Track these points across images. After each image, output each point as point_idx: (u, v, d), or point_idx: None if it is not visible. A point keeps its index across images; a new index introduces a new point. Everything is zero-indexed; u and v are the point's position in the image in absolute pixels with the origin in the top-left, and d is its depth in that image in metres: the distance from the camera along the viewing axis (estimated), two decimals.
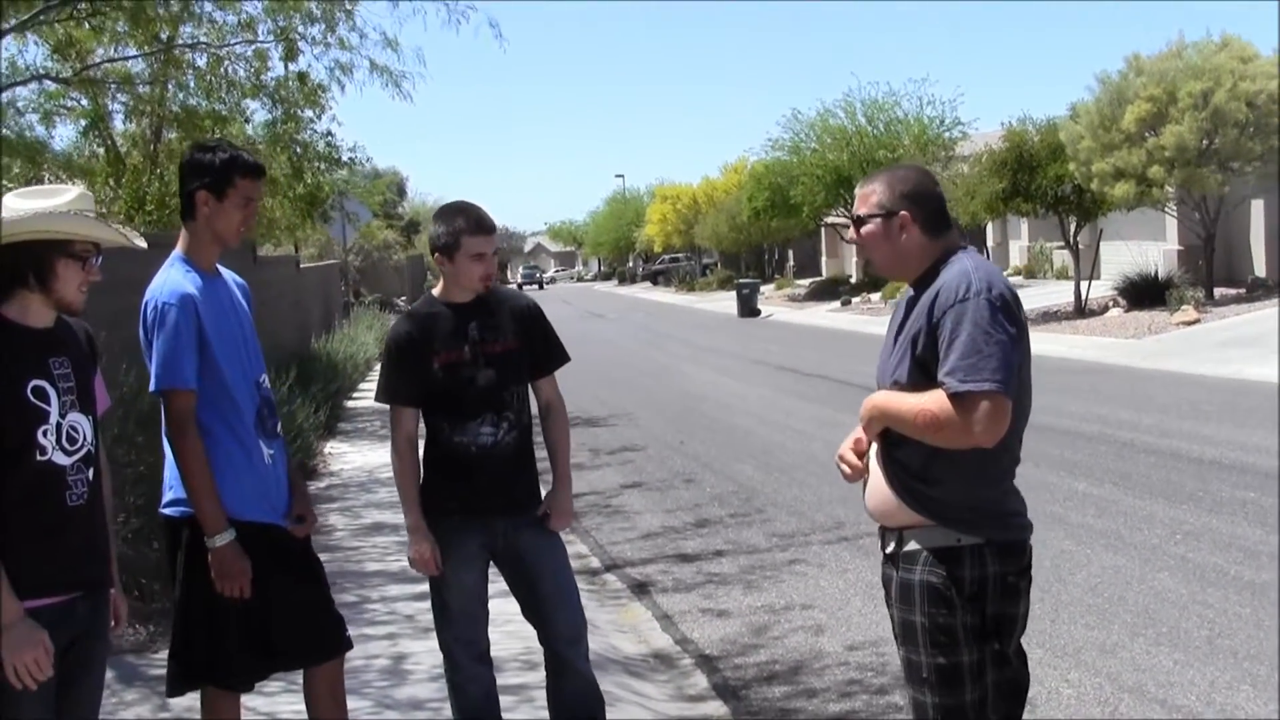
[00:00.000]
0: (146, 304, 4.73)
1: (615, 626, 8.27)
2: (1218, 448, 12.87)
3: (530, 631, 5.54)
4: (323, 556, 9.51)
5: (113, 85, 17.44)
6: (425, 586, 5.56)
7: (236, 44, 17.50)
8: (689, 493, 12.63)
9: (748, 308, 45.01)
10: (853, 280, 52.17)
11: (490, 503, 5.21)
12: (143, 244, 4.43)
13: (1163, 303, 27.53)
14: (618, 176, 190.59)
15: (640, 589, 9.19)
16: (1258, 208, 30.91)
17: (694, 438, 16.14)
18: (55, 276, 4.05)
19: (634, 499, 12.59)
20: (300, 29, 17.22)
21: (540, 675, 5.58)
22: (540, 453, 5.48)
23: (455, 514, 5.21)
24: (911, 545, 4.02)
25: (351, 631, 7.49)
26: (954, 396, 3.74)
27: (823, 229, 58.74)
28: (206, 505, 4.67)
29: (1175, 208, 29.12)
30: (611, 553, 10.34)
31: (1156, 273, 29.75)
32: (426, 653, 5.85)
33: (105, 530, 4.28)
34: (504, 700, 6.14)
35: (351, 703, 6.36)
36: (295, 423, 12.85)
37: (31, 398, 3.97)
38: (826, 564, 9.32)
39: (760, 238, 63.84)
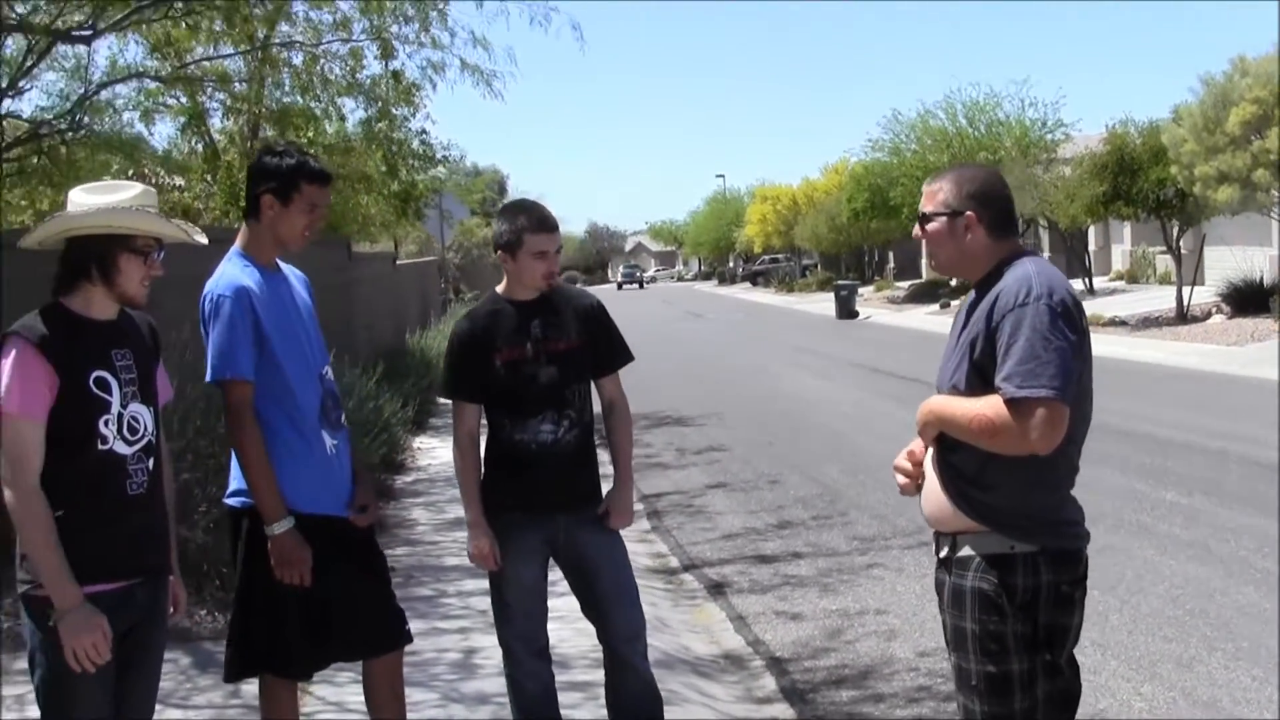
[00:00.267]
0: (204, 298, 4.83)
1: (688, 626, 8.26)
2: None
3: None
4: (403, 550, 9.75)
5: (210, 83, 17.72)
6: None
7: (332, 43, 17.72)
8: (773, 494, 12.59)
9: (845, 309, 44.75)
10: (953, 284, 51.70)
11: (550, 500, 5.23)
12: (203, 240, 4.52)
13: (1267, 310, 26.98)
14: (718, 176, 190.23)
15: (716, 589, 9.17)
16: None
17: (782, 439, 16.09)
18: (118, 270, 4.14)
19: (717, 499, 12.58)
20: (394, 28, 17.39)
21: None
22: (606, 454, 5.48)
23: (515, 510, 5.23)
24: (965, 551, 3.98)
25: (424, 625, 7.65)
26: (1010, 402, 3.70)
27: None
28: (265, 494, 4.73)
29: None
30: (691, 553, 10.34)
31: (1261, 279, 29.18)
32: (496, 648, 5.87)
33: (165, 518, 4.36)
34: (569, 697, 6.18)
35: (418, 694, 6.45)
36: (382, 417, 12.98)
37: (94, 388, 4.06)
38: (905, 569, 9.25)
39: (860, 239, 63.47)
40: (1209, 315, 28.86)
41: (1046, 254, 51.07)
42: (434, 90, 19.08)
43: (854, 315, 44.49)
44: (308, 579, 4.77)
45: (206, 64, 17.73)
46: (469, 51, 18.70)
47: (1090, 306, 32.93)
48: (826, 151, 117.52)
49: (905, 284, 59.20)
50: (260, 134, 18.72)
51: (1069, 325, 3.77)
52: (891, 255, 70.50)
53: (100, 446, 4.07)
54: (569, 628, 6.20)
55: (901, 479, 4.21)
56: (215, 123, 19.24)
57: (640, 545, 10.63)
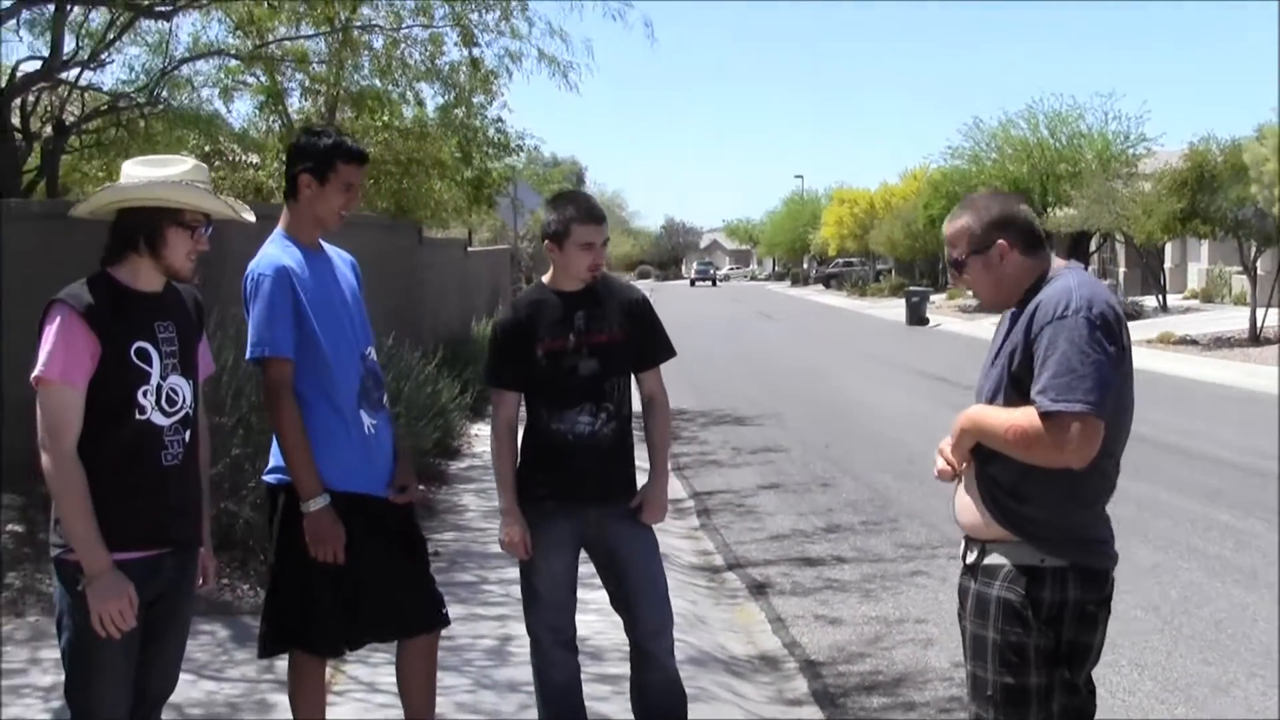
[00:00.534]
0: (245, 277, 4.90)
1: (726, 625, 8.26)
2: None
3: None
4: (449, 535, 9.81)
5: (289, 64, 17.90)
6: None
7: (413, 28, 17.85)
8: (824, 497, 12.57)
9: (916, 316, 44.49)
10: None
11: (583, 491, 5.24)
12: (251, 218, 4.58)
13: None
14: (797, 177, 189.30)
15: (758, 590, 9.17)
16: None
17: (840, 443, 16.04)
18: (165, 243, 4.20)
19: (768, 499, 12.57)
20: (474, 15, 17.48)
21: None
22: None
23: (548, 500, 5.25)
24: (993, 559, 3.97)
25: (464, 611, 7.71)
26: (1045, 415, 3.68)
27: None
28: (301, 471, 4.79)
29: None
30: (736, 552, 10.34)
31: None
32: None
33: (199, 490, 4.43)
34: (599, 690, 6.22)
35: (450, 679, 6.50)
36: (439, 402, 13.06)
37: (135, 359, 4.12)
38: (949, 578, 9.14)
39: (935, 246, 62.93)
40: None
41: (1122, 269, 50.66)
42: (510, 79, 19.19)
43: (924, 322, 44.22)
44: (341, 557, 4.82)
45: (287, 44, 17.92)
46: (546, 42, 18.79)
47: (1162, 324, 32.61)
48: (906, 157, 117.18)
49: None
50: (337, 116, 18.89)
51: (1108, 338, 3.74)
52: None
53: (138, 416, 4.13)
54: (604, 620, 6.22)
55: (941, 463, 4.18)
56: (293, 103, 19.44)
57: (686, 542, 10.65)
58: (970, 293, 4.19)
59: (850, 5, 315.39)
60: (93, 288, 4.13)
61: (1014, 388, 3.87)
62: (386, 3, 17.47)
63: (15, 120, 14.83)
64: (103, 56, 15.65)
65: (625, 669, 5.55)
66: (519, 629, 5.51)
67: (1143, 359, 25.38)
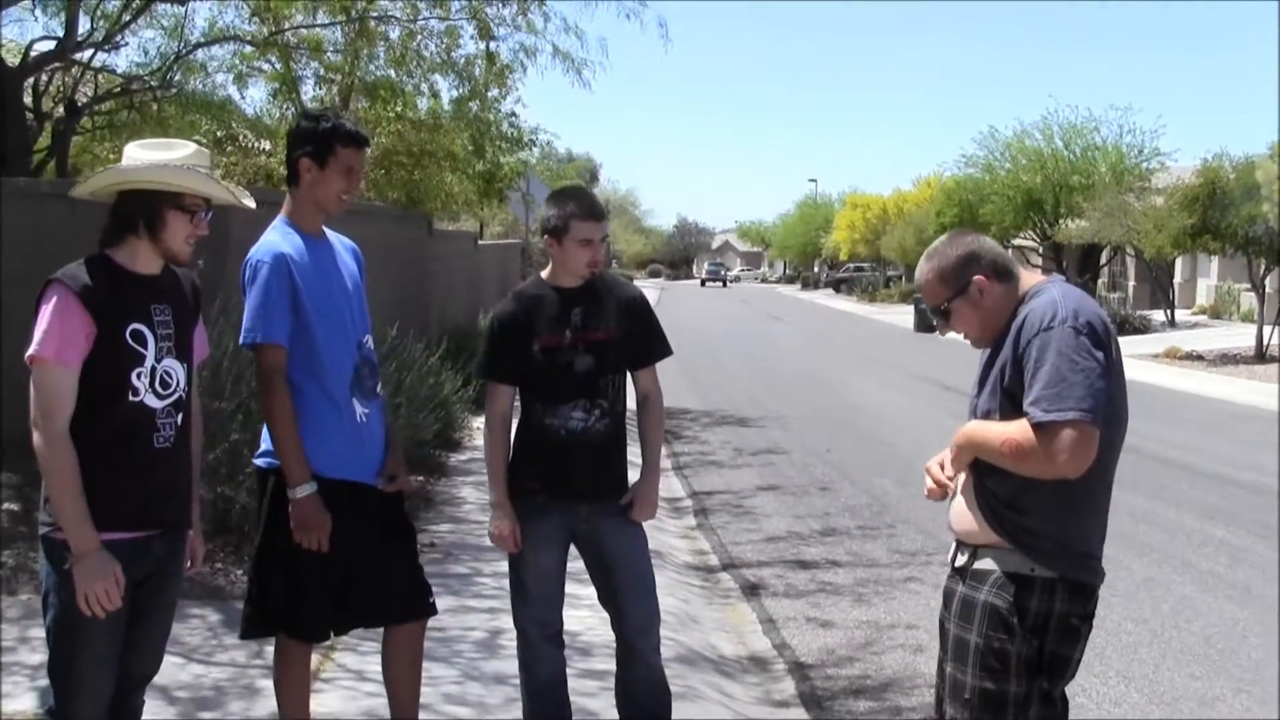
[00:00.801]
0: (244, 263, 4.90)
1: (718, 625, 8.27)
2: None
3: None
4: (446, 527, 9.84)
5: (304, 51, 17.92)
6: None
7: (429, 19, 17.86)
8: (822, 500, 12.57)
9: (924, 323, 44.30)
10: None
11: (575, 487, 5.25)
12: (251, 204, 4.59)
13: None
14: (810, 181, 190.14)
15: (751, 590, 9.18)
16: None
17: (841, 447, 16.04)
18: (164, 226, 4.22)
19: (766, 501, 12.57)
20: (490, 9, 17.51)
21: None
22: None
23: (539, 494, 5.26)
24: (983, 564, 3.99)
25: (455, 603, 7.73)
26: (1038, 427, 3.69)
27: (1009, 250, 57.80)
28: (289, 457, 4.81)
29: None
30: (731, 552, 10.35)
31: None
32: None
33: (189, 474, 4.45)
34: (585, 685, 6.23)
35: (439, 669, 6.52)
36: (441, 393, 13.08)
37: (130, 340, 4.14)
38: (943, 585, 9.18)
39: None
40: None
41: (1131, 283, 50.59)
42: (525, 74, 19.20)
43: (932, 329, 43.88)
44: (325, 545, 4.84)
45: (303, 32, 17.94)
46: (561, 38, 18.82)
47: (1170, 339, 32.59)
48: (920, 164, 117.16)
49: None
50: (351, 105, 18.92)
51: (1096, 346, 3.75)
52: None
53: (131, 398, 4.15)
54: (595, 616, 6.22)
55: (930, 483, 4.20)
56: (307, 91, 19.42)
57: (682, 541, 10.67)
58: (962, 336, 4.20)
59: (867, 9, 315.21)
60: (90, 268, 4.15)
61: (1009, 402, 3.88)
62: None
63: (27, 100, 14.86)
64: (117, 38, 15.67)
65: (613, 666, 5.56)
66: (509, 622, 5.53)
67: (1149, 373, 25.43)
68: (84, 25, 15.01)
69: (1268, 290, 30.46)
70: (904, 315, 49.08)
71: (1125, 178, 42.00)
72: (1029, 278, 4.07)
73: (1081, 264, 47.54)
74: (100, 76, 17.14)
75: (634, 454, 5.38)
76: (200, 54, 17.28)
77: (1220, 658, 7.68)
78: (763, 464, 14.86)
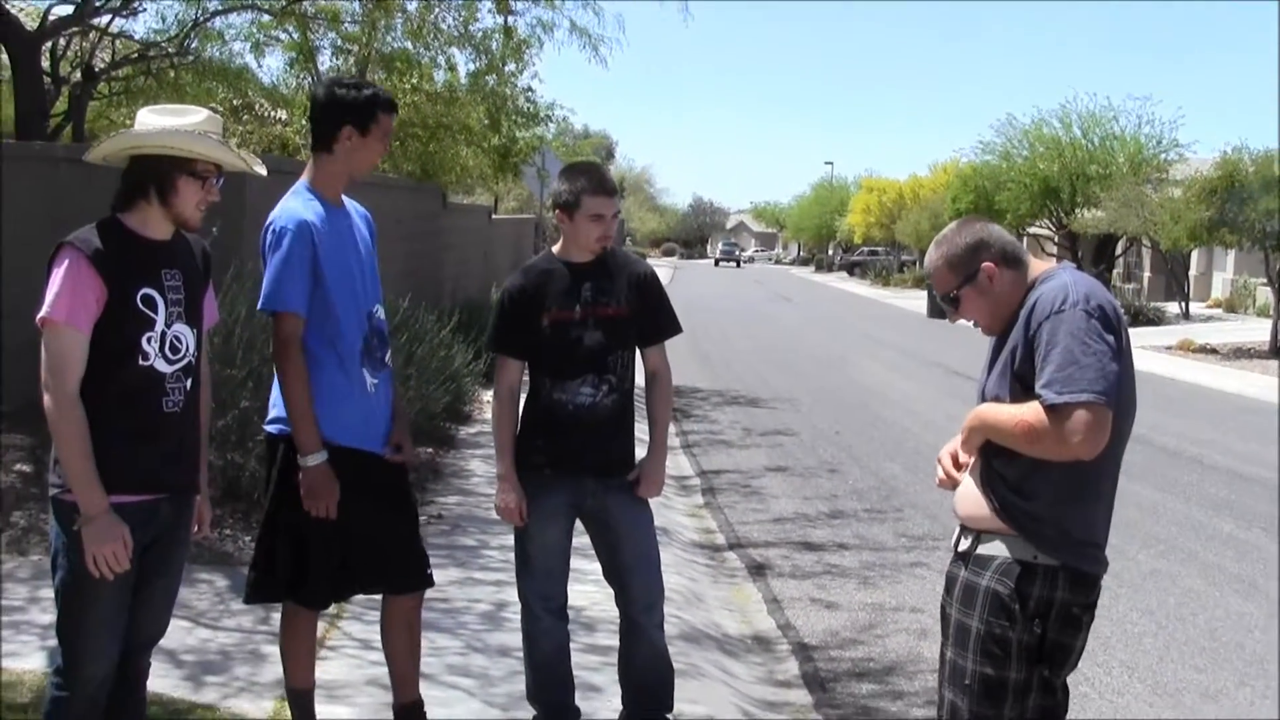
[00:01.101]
0: (265, 228, 4.90)
1: (723, 604, 8.29)
2: None
3: None
4: (454, 499, 9.86)
5: (321, 21, 17.89)
6: None
7: None
8: (830, 483, 12.57)
9: (937, 308, 44.16)
10: None
11: (581, 462, 5.26)
12: (262, 170, 4.59)
13: None
14: (826, 163, 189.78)
15: (757, 570, 9.19)
16: None
17: (850, 430, 16.03)
18: (175, 192, 4.23)
19: (774, 482, 12.58)
20: None
21: None
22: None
23: (546, 468, 5.27)
24: (986, 549, 3.99)
25: (461, 574, 7.77)
26: (1050, 409, 3.68)
27: (1024, 238, 57.62)
28: (302, 426, 4.82)
29: None
30: (738, 532, 10.35)
31: None
32: None
33: (198, 439, 4.46)
34: (589, 660, 6.25)
35: (443, 640, 6.55)
36: (452, 366, 13.09)
37: (140, 305, 4.15)
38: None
39: None
40: None
41: (1147, 274, 50.45)
42: (541, 49, 19.18)
43: (944, 315, 44.00)
44: (334, 512, 4.85)
45: (321, 1, 17.92)
46: (579, 14, 18.79)
47: (1184, 331, 32.49)
48: (936, 150, 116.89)
49: None
50: (367, 76, 18.89)
51: (1106, 329, 3.74)
52: None
53: (141, 362, 4.16)
54: (601, 591, 6.23)
55: (941, 473, 4.21)
56: (324, 61, 19.40)
57: (689, 520, 10.68)
58: (972, 324, 4.19)
59: None
60: (102, 233, 4.15)
61: (1018, 386, 3.87)
62: None
63: (45, 64, 14.86)
64: (135, 4, 15.65)
65: (617, 642, 5.58)
66: (514, 595, 5.55)
67: (1162, 365, 25.39)
68: None
69: None
70: (917, 300, 48.99)
71: (1143, 168, 41.84)
72: (1038, 265, 4.06)
73: (1097, 254, 47.38)
74: (118, 42, 17.14)
75: (642, 431, 5.38)
76: (218, 21, 17.25)
77: (1225, 651, 7.67)
78: (772, 445, 14.86)
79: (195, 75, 16.99)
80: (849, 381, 21.89)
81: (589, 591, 6.87)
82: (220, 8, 16.93)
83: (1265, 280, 32.45)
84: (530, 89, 21.44)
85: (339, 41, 18.73)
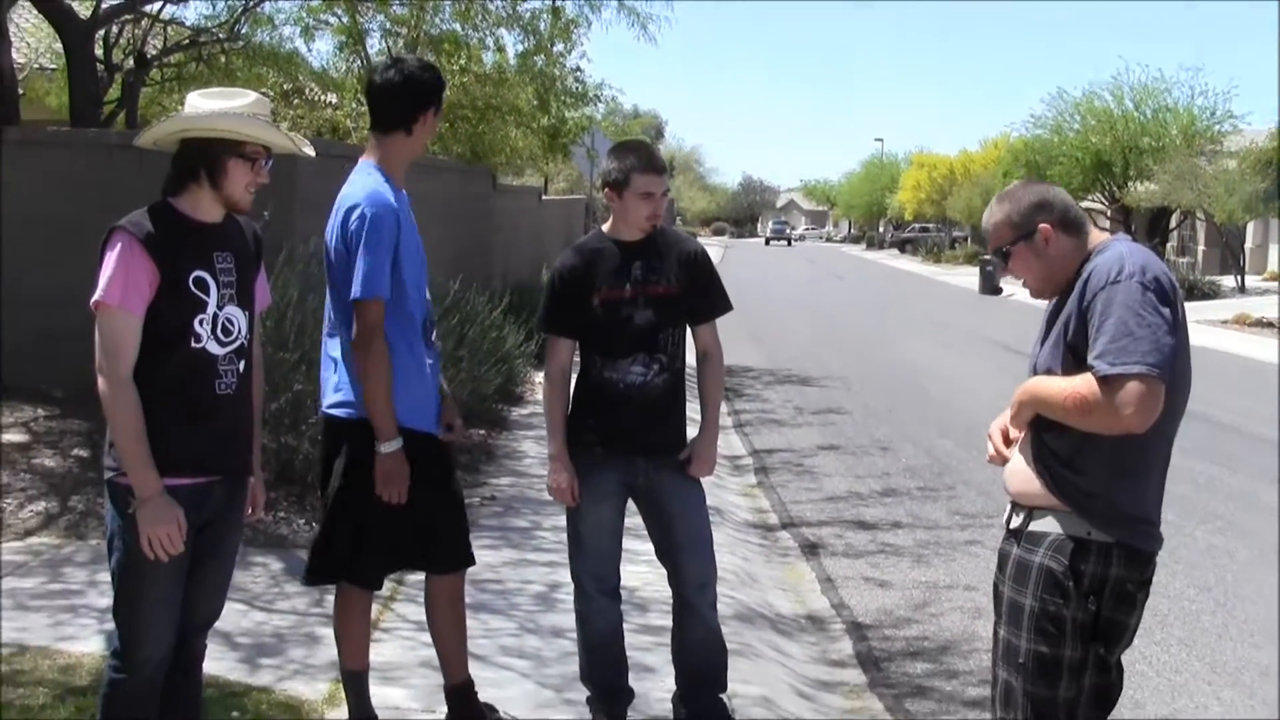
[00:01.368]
0: (350, 209, 4.86)
1: (776, 584, 8.27)
2: None
3: None
4: (507, 480, 9.90)
5: (370, 4, 17.93)
6: None
7: None
8: (883, 461, 12.53)
9: (989, 285, 44.02)
10: None
11: (632, 441, 5.25)
12: (311, 152, 4.60)
13: None
14: (877, 140, 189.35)
15: (810, 549, 9.17)
16: None
17: (903, 407, 15.97)
18: (225, 175, 4.23)
19: (827, 461, 12.54)
20: None
21: None
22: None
23: (597, 448, 5.26)
24: (1039, 526, 3.94)
25: (515, 555, 7.80)
26: (1103, 380, 3.62)
27: None
28: (383, 413, 4.83)
29: None
30: (791, 511, 10.33)
31: None
32: None
33: (250, 420, 4.47)
34: (641, 640, 6.24)
35: (496, 622, 6.57)
36: (504, 347, 13.10)
37: (192, 287, 4.17)
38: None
39: None
40: None
41: (1201, 247, 49.95)
42: (589, 29, 19.15)
43: (997, 291, 43.75)
44: (405, 497, 4.89)
45: None
46: None
47: (1240, 305, 32.14)
48: (987, 125, 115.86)
49: None
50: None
51: (1162, 302, 3.68)
52: None
53: (193, 345, 4.17)
54: (654, 571, 6.23)
55: (991, 449, 4.18)
56: (373, 44, 19.46)
57: (742, 499, 10.66)
58: (1021, 283, 4.15)
59: None
60: (154, 216, 4.17)
61: (1071, 357, 3.82)
62: None
63: (98, 52, 14.94)
64: None
65: (670, 622, 5.57)
66: (568, 576, 5.55)
67: (1217, 339, 25.14)
68: None
69: None
70: (969, 277, 48.74)
71: (1196, 140, 41.44)
72: (1097, 235, 4.01)
73: (1150, 228, 46.98)
74: (169, 29, 17.22)
75: (693, 410, 5.37)
76: (267, 6, 17.31)
77: None
78: (824, 423, 14.82)
79: (246, 60, 17.06)
80: (901, 359, 21.79)
81: (642, 572, 6.87)
82: None
83: None
84: (579, 69, 21.44)
85: (388, 24, 18.78)
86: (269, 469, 7.54)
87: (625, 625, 5.59)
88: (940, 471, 11.98)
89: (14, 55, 14.05)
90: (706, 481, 5.50)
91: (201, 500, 4.23)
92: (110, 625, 4.41)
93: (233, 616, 6.12)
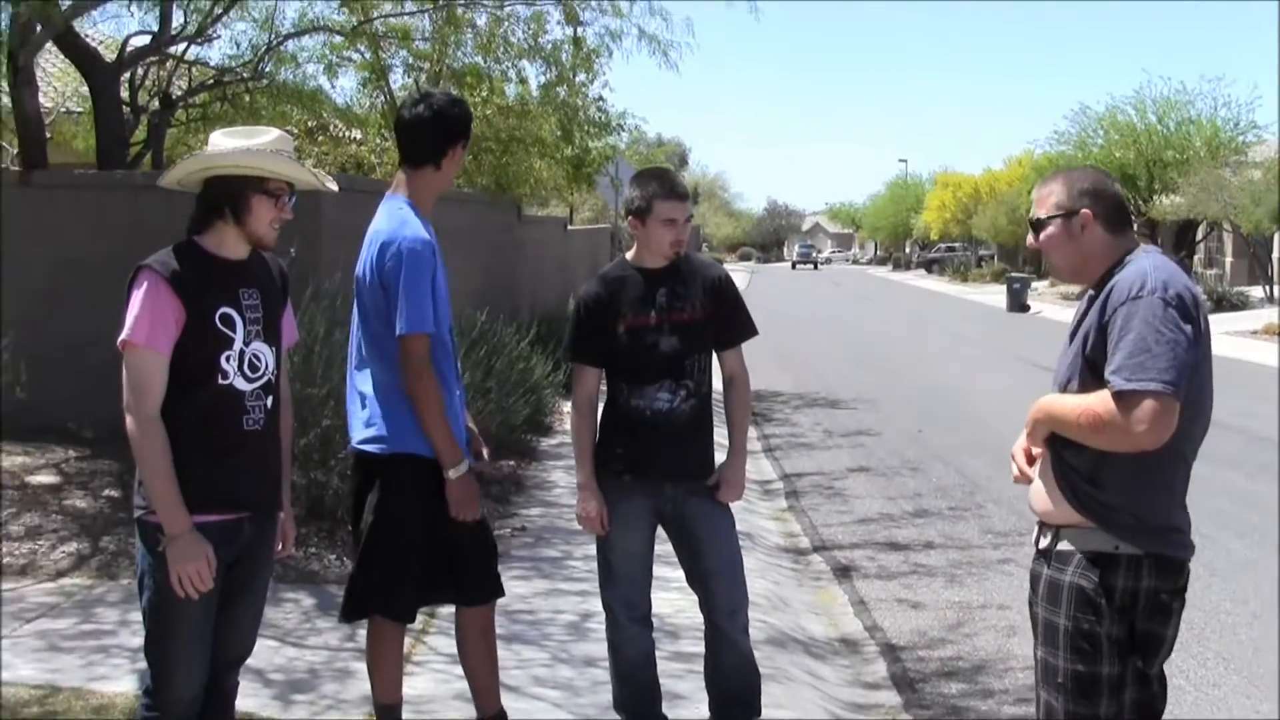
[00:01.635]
0: (386, 244, 4.88)
1: (809, 607, 8.24)
2: None
3: None
4: (536, 511, 9.89)
5: (392, 40, 18.01)
6: None
7: (516, 5, 17.87)
8: (914, 481, 12.49)
9: (1017, 302, 44.03)
10: None
11: (660, 468, 5.26)
12: (334, 187, 4.63)
13: None
14: (900, 161, 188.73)
15: (843, 572, 9.14)
16: None
17: (932, 427, 15.92)
18: (249, 211, 4.26)
19: (858, 483, 12.51)
20: None
21: None
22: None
23: (625, 475, 5.27)
24: (1067, 544, 3.92)
25: (546, 586, 7.79)
26: (1118, 395, 3.61)
27: None
28: (445, 440, 4.88)
29: None
30: (823, 534, 10.30)
31: None
32: None
33: (279, 456, 4.48)
34: (674, 668, 6.22)
35: (529, 652, 6.56)
36: (532, 378, 13.12)
37: (219, 324, 4.19)
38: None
39: None
40: None
41: (1229, 259, 49.71)
42: (610, 58, 19.20)
43: (1025, 309, 43.74)
44: (479, 514, 4.96)
45: (391, 20, 18.01)
46: (647, 20, 18.84)
47: (1269, 316, 31.96)
48: (1010, 143, 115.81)
49: None
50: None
51: (1184, 318, 3.66)
52: None
53: (220, 381, 4.19)
54: (685, 598, 6.22)
55: (1015, 470, 4.17)
56: (396, 79, 19.53)
57: (773, 523, 10.64)
58: (1050, 262, 4.13)
59: None
60: (179, 255, 4.20)
61: (1089, 371, 3.80)
62: None
63: (124, 94, 15.03)
64: (210, 31, 15.79)
65: (702, 649, 5.55)
66: (599, 605, 5.54)
67: (1246, 350, 25.01)
68: (177, 19, 15.13)
69: None
70: (996, 295, 48.70)
71: (1221, 151, 41.31)
72: (1134, 241, 3.99)
73: (1177, 240, 46.81)
74: (194, 69, 17.30)
75: (721, 436, 5.36)
76: (291, 45, 17.37)
77: None
78: (853, 445, 14.79)
79: (270, 98, 17.14)
80: (929, 378, 21.73)
81: (673, 599, 6.86)
82: (293, 30, 17.08)
83: None
84: (601, 98, 21.49)
85: (410, 59, 18.85)
86: (299, 504, 7.56)
87: (657, 653, 5.59)
88: (971, 490, 11.94)
89: (41, 99, 14.15)
90: (737, 506, 5.50)
91: (231, 537, 4.24)
92: (142, 664, 4.43)
93: (265, 653, 6.13)
